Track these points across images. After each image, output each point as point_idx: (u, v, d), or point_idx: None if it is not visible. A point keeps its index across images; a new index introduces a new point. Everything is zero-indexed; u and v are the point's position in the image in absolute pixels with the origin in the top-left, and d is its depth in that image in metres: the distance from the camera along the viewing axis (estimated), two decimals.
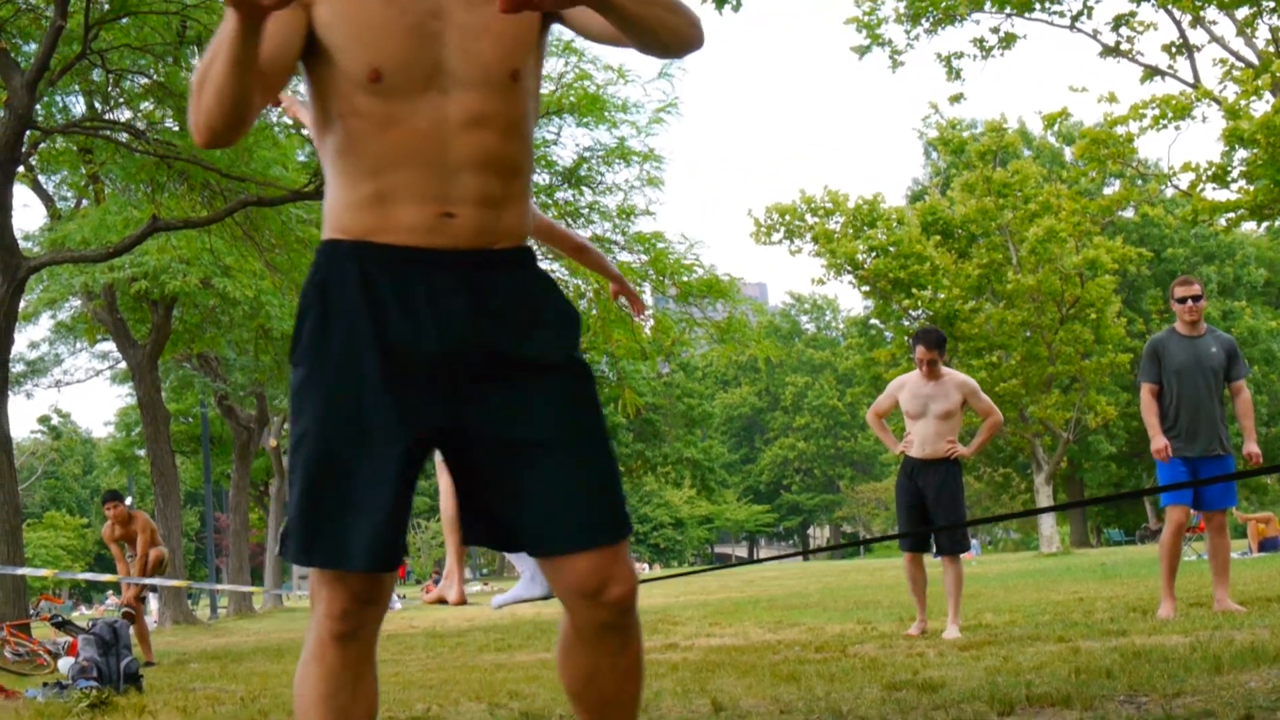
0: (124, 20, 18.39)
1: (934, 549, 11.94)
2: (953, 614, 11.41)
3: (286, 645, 20.54)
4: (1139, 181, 39.87)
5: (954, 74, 31.92)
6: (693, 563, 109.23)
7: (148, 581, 16.98)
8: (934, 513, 11.53)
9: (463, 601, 7.88)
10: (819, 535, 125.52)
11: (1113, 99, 32.53)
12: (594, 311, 21.32)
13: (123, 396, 65.50)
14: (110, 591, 56.46)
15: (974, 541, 76.67)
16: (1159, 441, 11.62)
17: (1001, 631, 11.34)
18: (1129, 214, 58.91)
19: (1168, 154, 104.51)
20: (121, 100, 21.18)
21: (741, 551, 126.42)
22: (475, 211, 3.31)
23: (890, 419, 12.66)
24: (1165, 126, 30.19)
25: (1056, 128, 39.45)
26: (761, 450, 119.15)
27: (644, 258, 20.85)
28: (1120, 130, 31.68)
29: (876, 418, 12.24)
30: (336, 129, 3.29)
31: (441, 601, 7.94)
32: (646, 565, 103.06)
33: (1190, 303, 11.61)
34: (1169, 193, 38.87)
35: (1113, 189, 47.18)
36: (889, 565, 44.33)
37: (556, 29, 3.52)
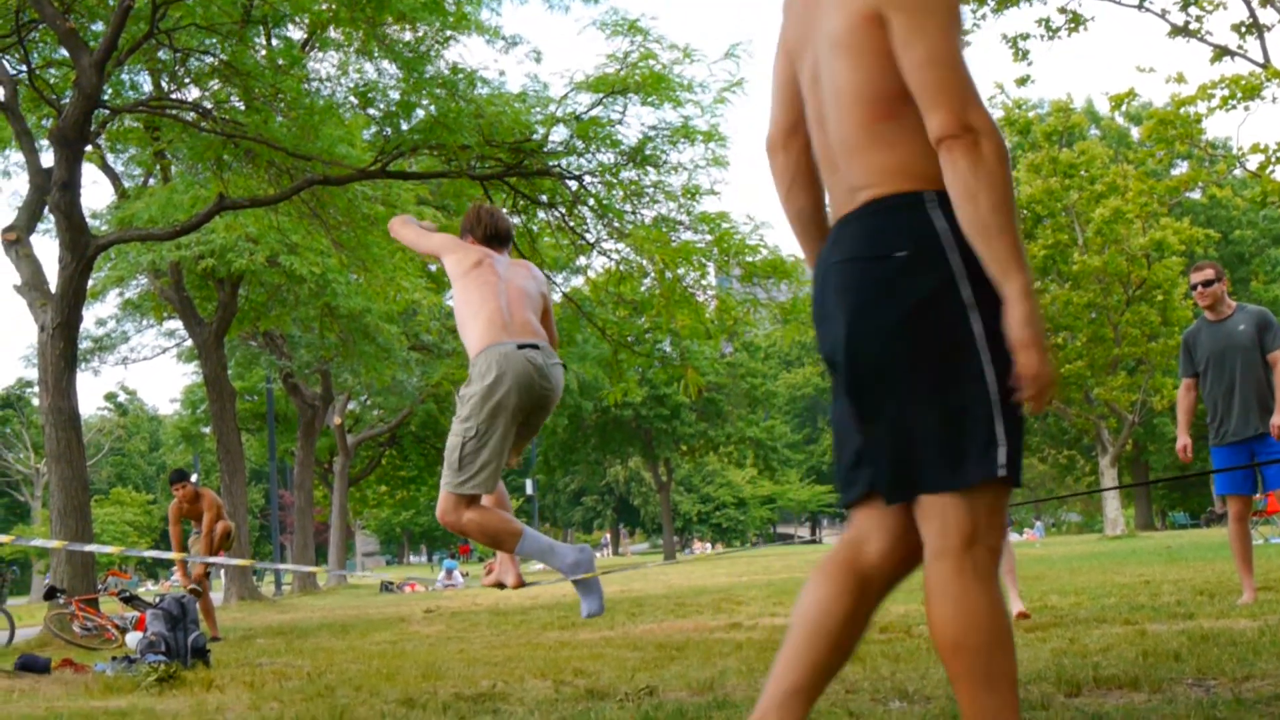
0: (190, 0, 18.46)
1: None
2: (1013, 590, 11.28)
3: (351, 622, 20.66)
4: (1207, 162, 39.45)
5: (1020, 55, 31.65)
6: (755, 543, 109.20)
7: (214, 561, 17.14)
8: None
9: (521, 584, 7.92)
10: None
11: (1181, 79, 32.21)
12: (657, 290, 21.29)
13: (189, 374, 65.99)
14: (175, 568, 56.89)
15: (1037, 524, 76.39)
16: (1180, 440, 11.48)
17: (1067, 613, 11.29)
18: (1196, 195, 58.50)
19: (1236, 135, 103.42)
20: (188, 79, 21.27)
21: (804, 532, 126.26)
22: None
23: None
24: (1234, 107, 29.86)
25: (1124, 108, 39.01)
26: (824, 430, 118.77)
27: (708, 237, 20.74)
28: (1188, 111, 31.39)
29: None
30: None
31: (500, 586, 8.00)
32: (709, 545, 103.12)
33: (1200, 289, 11.43)
34: (1237, 174, 38.50)
35: (1180, 170, 46.77)
36: None
37: None
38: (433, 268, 30.17)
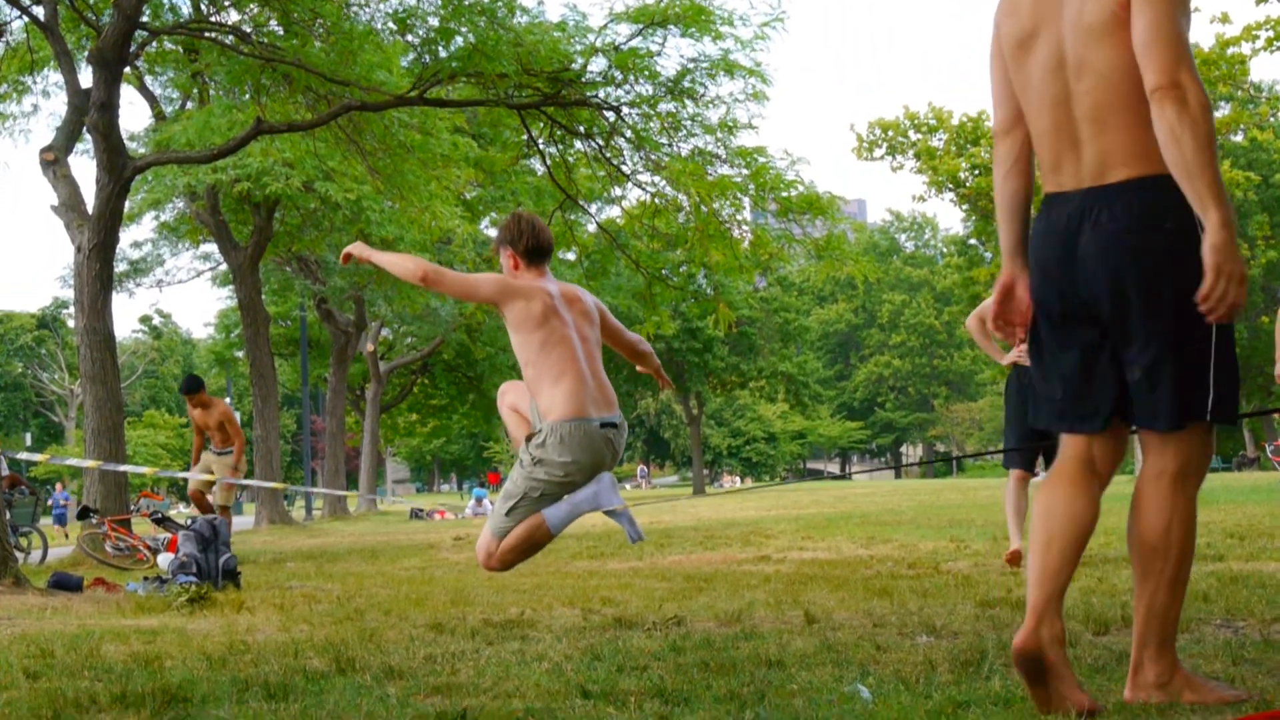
0: None
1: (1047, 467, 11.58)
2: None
3: (381, 547, 20.76)
4: (1250, 105, 39.14)
5: None
6: (784, 478, 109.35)
7: (244, 483, 17.28)
8: None
9: None
10: (912, 454, 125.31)
11: (1226, 20, 31.90)
12: (692, 224, 21.22)
13: (223, 298, 66.06)
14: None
15: None
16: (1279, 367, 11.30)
17: (1096, 553, 11.29)
18: (1238, 138, 58.01)
19: None
20: (228, 2, 21.23)
21: (834, 467, 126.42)
22: None
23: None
24: (1279, 49, 29.62)
25: None
26: (856, 367, 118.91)
27: (745, 172, 20.65)
28: (1232, 52, 31.13)
29: (980, 324, 11.12)
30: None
31: None
32: (738, 479, 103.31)
33: None
34: None
35: (1223, 112, 46.42)
36: (982, 485, 44.15)
37: None
38: (467, 196, 30.11)
